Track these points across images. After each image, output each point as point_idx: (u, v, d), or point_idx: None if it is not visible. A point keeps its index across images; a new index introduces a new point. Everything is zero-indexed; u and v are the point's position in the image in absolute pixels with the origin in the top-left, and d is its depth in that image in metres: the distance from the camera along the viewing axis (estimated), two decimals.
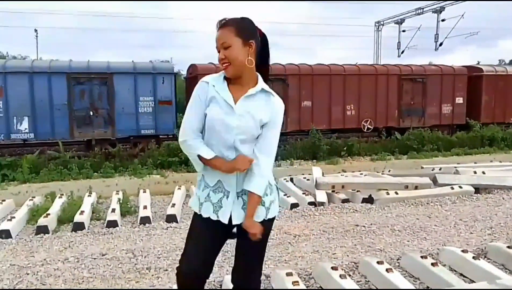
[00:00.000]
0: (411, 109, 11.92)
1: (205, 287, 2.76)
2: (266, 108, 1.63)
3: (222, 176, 1.63)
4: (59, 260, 3.40)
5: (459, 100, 12.32)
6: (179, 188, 5.97)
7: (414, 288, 2.65)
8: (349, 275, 2.84)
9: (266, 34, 1.69)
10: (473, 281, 2.78)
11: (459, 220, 4.41)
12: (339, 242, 3.79)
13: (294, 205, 5.04)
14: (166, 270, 3.18)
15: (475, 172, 6.31)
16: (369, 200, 5.21)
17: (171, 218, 4.56)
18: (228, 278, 2.71)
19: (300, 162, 8.92)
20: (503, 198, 5.39)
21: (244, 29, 1.60)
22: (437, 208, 4.99)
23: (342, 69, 11.25)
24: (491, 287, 2.41)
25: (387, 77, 11.58)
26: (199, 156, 1.62)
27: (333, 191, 5.49)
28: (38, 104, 8.75)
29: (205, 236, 1.71)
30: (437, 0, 20.34)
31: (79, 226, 4.34)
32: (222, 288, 2.72)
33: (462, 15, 19.81)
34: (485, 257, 3.22)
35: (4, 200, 5.48)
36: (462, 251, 3.06)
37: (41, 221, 4.38)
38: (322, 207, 5.02)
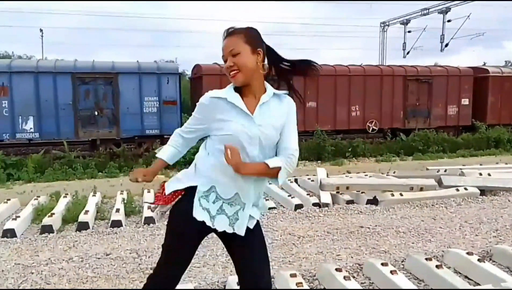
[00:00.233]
0: (416, 110, 11.86)
1: (209, 288, 2.77)
2: (282, 113, 1.64)
3: (239, 189, 1.60)
4: (63, 260, 3.42)
5: (465, 101, 12.24)
6: None
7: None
8: (353, 277, 2.83)
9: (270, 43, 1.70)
10: (478, 284, 2.76)
11: (464, 222, 4.37)
12: (344, 243, 3.77)
13: (298, 206, 5.03)
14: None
15: (480, 174, 6.26)
16: (373, 201, 5.19)
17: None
18: (231, 279, 2.71)
19: (304, 163, 8.90)
20: (508, 200, 5.35)
21: (252, 37, 1.60)
22: (442, 210, 4.95)
23: (347, 69, 11.22)
24: None
25: (393, 78, 11.53)
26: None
27: (337, 192, 5.47)
28: (43, 103, 8.80)
29: (190, 249, 1.67)
30: (443, 0, 20.23)
31: (83, 226, 4.36)
32: (226, 288, 2.72)
33: (468, 16, 19.71)
34: (490, 259, 3.19)
35: (9, 199, 5.52)
36: (467, 253, 3.04)
37: (46, 220, 4.41)
38: (326, 208, 5.00)
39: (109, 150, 9.20)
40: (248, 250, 1.69)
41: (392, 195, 5.28)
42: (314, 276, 2.93)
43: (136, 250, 3.62)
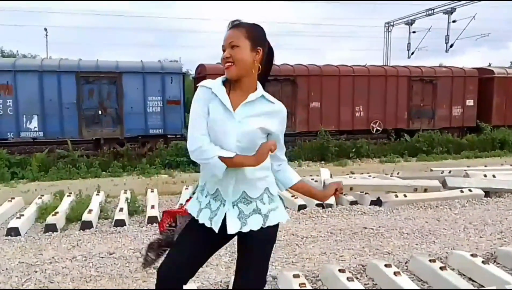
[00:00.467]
0: (421, 111, 11.80)
1: (212, 288, 2.77)
2: (270, 117, 1.60)
3: (220, 185, 1.59)
4: (67, 259, 3.43)
5: (470, 102, 12.17)
6: (187, 188, 5.99)
7: None
8: (357, 278, 2.82)
9: (273, 47, 1.67)
10: (482, 286, 2.74)
11: (468, 224, 4.35)
12: (347, 244, 3.76)
13: (301, 207, 5.02)
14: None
15: (485, 175, 6.22)
16: (377, 202, 5.17)
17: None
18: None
19: (308, 163, 8.88)
20: None
21: (255, 34, 1.59)
22: (446, 211, 4.93)
23: (351, 70, 11.19)
24: None
25: (397, 78, 11.48)
26: (220, 158, 1.52)
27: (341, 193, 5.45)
28: (47, 102, 8.83)
29: (195, 242, 1.65)
30: (448, 1, 20.12)
31: (87, 225, 4.38)
32: (229, 288, 2.72)
33: (474, 16, 19.59)
34: (494, 261, 3.17)
35: (13, 198, 5.56)
36: (471, 255, 3.02)
37: (50, 219, 4.43)
38: (330, 209, 4.99)
39: (112, 150, 9.22)
40: (244, 256, 1.67)
41: (396, 196, 5.26)
42: (317, 276, 2.92)
43: (140, 250, 3.62)
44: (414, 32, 22.50)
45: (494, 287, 2.55)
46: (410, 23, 22.35)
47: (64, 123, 8.96)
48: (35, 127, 8.83)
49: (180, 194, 5.98)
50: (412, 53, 22.92)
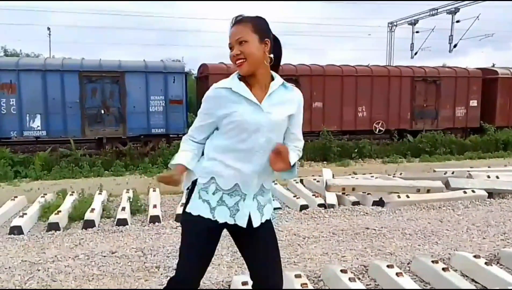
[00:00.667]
0: (424, 112, 11.76)
1: (214, 287, 2.77)
2: (291, 104, 1.65)
3: (240, 180, 1.58)
4: (69, 257, 3.44)
5: (473, 103, 12.12)
6: (189, 188, 5.98)
7: None
8: (359, 278, 2.81)
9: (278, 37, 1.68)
10: (485, 287, 2.73)
11: (471, 225, 4.33)
12: (349, 245, 3.75)
13: (303, 207, 5.01)
14: (175, 269, 3.19)
15: (488, 176, 6.19)
16: (380, 203, 5.15)
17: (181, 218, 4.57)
18: (236, 279, 2.71)
19: (310, 163, 8.88)
20: None
21: (261, 26, 1.59)
22: (449, 212, 4.91)
23: (354, 70, 11.17)
24: None
25: (400, 78, 11.44)
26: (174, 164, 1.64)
27: (343, 193, 5.44)
28: (50, 102, 8.86)
29: (204, 243, 1.65)
30: (452, 1, 20.04)
31: (89, 224, 4.39)
32: (231, 287, 2.71)
33: (477, 17, 19.50)
34: (497, 263, 3.16)
35: (16, 197, 5.58)
36: (474, 256, 3.00)
37: (53, 218, 4.44)
38: (332, 209, 4.98)
39: (115, 149, 9.24)
40: (259, 247, 1.68)
41: (399, 196, 5.24)
42: (319, 277, 2.92)
43: (142, 249, 3.63)
44: (417, 32, 22.42)
45: (497, 289, 2.53)
46: (413, 23, 22.27)
47: (67, 122, 8.98)
48: (38, 126, 8.86)
49: (182, 193, 5.98)
50: (416, 53, 22.85)
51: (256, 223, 1.61)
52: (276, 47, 1.66)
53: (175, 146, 8.60)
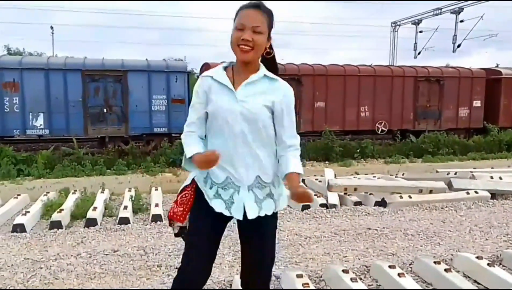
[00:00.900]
0: (427, 112, 11.72)
1: (215, 287, 2.77)
2: (273, 94, 1.61)
3: (230, 172, 1.59)
4: (72, 255, 3.45)
5: (477, 103, 12.06)
6: None
7: None
8: (360, 279, 2.80)
9: (279, 46, 1.75)
10: (487, 289, 2.71)
11: (474, 226, 4.31)
12: (351, 245, 3.74)
13: (305, 207, 5.00)
14: (177, 268, 3.19)
15: (491, 177, 6.16)
16: (382, 203, 5.14)
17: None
18: (238, 278, 2.70)
19: (312, 163, 8.86)
20: None
21: (272, 23, 1.62)
22: (451, 213, 4.89)
23: (357, 70, 11.14)
24: None
25: (403, 78, 11.40)
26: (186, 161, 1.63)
27: (345, 193, 5.43)
28: (53, 100, 8.89)
29: (209, 237, 1.66)
30: (456, 0, 19.95)
31: (91, 222, 4.40)
32: (232, 287, 2.71)
33: (481, 17, 19.42)
34: (500, 264, 3.14)
35: (19, 195, 5.60)
36: (477, 257, 2.99)
37: (55, 216, 4.46)
38: (334, 209, 4.97)
39: (117, 148, 9.27)
40: (248, 246, 1.69)
41: (401, 197, 5.22)
42: (321, 277, 2.91)
43: (143, 247, 3.64)
44: (421, 32, 22.35)
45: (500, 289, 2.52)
46: (417, 22, 22.19)
47: (70, 121, 9.01)
48: (41, 125, 8.89)
49: None
50: (419, 53, 22.78)
51: (251, 215, 1.59)
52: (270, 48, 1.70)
53: (177, 145, 8.60)
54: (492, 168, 7.75)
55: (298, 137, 1.68)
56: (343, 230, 4.14)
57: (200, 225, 1.67)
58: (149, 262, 3.32)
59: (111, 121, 9.35)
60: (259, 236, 1.66)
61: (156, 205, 4.97)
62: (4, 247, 3.72)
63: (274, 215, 1.69)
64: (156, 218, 4.57)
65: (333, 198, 5.21)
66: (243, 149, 1.57)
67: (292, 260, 3.35)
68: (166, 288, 2.74)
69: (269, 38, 1.61)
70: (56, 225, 4.30)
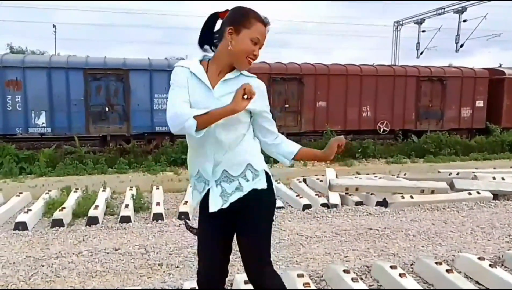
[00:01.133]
0: (429, 112, 11.68)
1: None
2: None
3: (200, 166, 1.65)
4: (73, 253, 3.46)
5: (479, 103, 12.01)
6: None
7: None
8: (361, 279, 2.80)
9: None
10: None
11: (476, 227, 4.30)
12: (352, 245, 3.74)
13: (306, 206, 5.00)
14: (178, 267, 3.20)
15: (494, 178, 6.14)
16: (383, 203, 5.13)
17: (184, 216, 4.58)
18: (238, 277, 2.70)
19: (313, 162, 8.85)
20: None
21: None
22: (453, 213, 4.88)
23: (359, 69, 11.11)
24: None
25: (405, 78, 11.37)
26: (195, 118, 1.48)
27: (346, 193, 5.43)
28: (55, 99, 8.90)
29: (212, 232, 1.70)
30: (459, 0, 19.87)
31: (93, 221, 4.41)
32: (233, 287, 2.71)
33: (485, 16, 19.33)
34: (502, 265, 3.13)
35: (21, 193, 5.62)
36: (479, 258, 2.98)
37: (57, 214, 4.47)
38: (335, 209, 4.97)
39: (119, 146, 9.28)
40: (241, 220, 1.68)
41: (402, 197, 5.21)
42: (322, 277, 2.91)
43: (145, 246, 3.64)
44: (423, 31, 22.26)
45: None
46: (419, 22, 22.12)
47: (72, 119, 9.02)
48: (43, 123, 8.91)
49: (185, 191, 6.00)
50: (421, 53, 22.70)
51: (212, 209, 1.62)
52: None
53: (179, 144, 8.61)
54: (494, 168, 7.72)
55: (274, 123, 1.76)
56: (344, 230, 4.14)
57: (205, 226, 1.72)
58: (150, 260, 3.33)
59: (113, 120, 9.35)
60: (244, 216, 1.65)
61: (157, 204, 4.98)
62: (6, 245, 3.73)
63: (260, 193, 1.64)
64: (157, 217, 4.57)
65: (335, 198, 5.21)
66: (213, 146, 1.60)
67: (293, 260, 3.35)
68: (167, 286, 2.75)
69: None
70: (58, 223, 4.32)
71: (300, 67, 10.62)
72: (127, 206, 4.84)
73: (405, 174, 7.07)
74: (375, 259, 3.35)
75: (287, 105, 10.21)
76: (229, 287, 2.75)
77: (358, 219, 4.60)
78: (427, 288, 2.78)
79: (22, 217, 4.38)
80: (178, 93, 1.58)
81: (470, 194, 5.44)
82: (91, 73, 9.11)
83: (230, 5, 1.68)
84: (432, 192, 5.41)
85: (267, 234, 1.70)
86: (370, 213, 4.81)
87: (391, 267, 2.81)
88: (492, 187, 5.70)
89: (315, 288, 2.63)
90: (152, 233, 4.06)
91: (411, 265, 3.12)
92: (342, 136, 1.66)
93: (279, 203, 5.16)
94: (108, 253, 3.49)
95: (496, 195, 5.57)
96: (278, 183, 6.24)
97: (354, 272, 2.84)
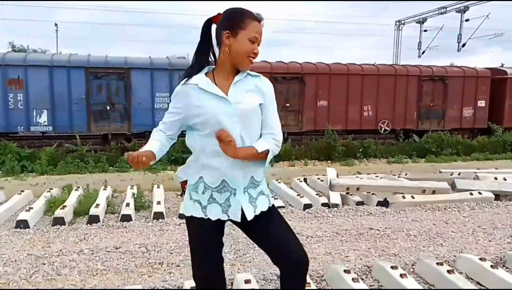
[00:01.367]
0: (430, 112, 11.66)
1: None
2: (259, 90, 1.63)
3: (226, 176, 1.59)
4: (74, 252, 3.47)
5: (481, 103, 11.98)
6: None
7: None
8: (362, 279, 2.80)
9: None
10: None
11: (477, 227, 4.29)
12: (353, 245, 3.74)
13: (307, 206, 5.00)
14: (178, 265, 3.20)
15: (495, 178, 6.12)
16: (384, 203, 5.12)
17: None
18: (239, 276, 2.71)
19: (314, 162, 8.84)
20: None
21: None
22: (454, 214, 4.87)
23: (360, 69, 11.09)
24: None
25: (407, 78, 11.34)
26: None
27: (347, 193, 5.42)
28: (57, 97, 8.92)
29: (212, 240, 1.67)
30: (461, 0, 19.82)
31: (94, 219, 4.42)
32: (233, 287, 2.71)
33: (487, 16, 19.29)
34: (503, 266, 3.12)
35: (23, 191, 5.63)
36: (480, 259, 2.97)
37: (58, 212, 4.48)
38: (335, 208, 4.96)
39: (120, 145, 9.29)
40: (270, 231, 1.67)
41: (403, 197, 5.20)
42: (322, 276, 2.91)
43: (145, 245, 3.65)
44: (425, 30, 22.22)
45: None
46: (421, 21, 22.07)
47: (73, 118, 9.04)
48: (44, 122, 8.93)
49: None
50: (423, 52, 22.66)
51: (249, 217, 1.61)
52: None
53: (179, 143, 8.60)
54: (496, 169, 7.70)
55: (281, 133, 1.68)
56: (345, 230, 4.13)
57: (201, 234, 1.69)
58: (151, 259, 3.33)
59: (114, 119, 9.37)
60: (267, 226, 1.66)
61: (158, 202, 4.98)
62: (8, 242, 3.74)
63: (273, 209, 1.71)
64: (158, 215, 4.58)
65: (335, 198, 5.20)
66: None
67: None
68: (167, 285, 2.75)
69: None
70: (59, 221, 4.32)
71: (302, 66, 10.60)
72: (128, 204, 4.85)
73: (406, 174, 7.06)
74: (376, 259, 3.35)
75: (288, 104, 10.21)
76: (229, 287, 2.75)
77: (359, 219, 4.60)
78: (428, 288, 2.78)
79: (23, 215, 4.38)
80: (168, 114, 1.69)
81: (471, 194, 5.43)
82: (92, 71, 9.12)
83: (230, 5, 1.68)
84: (434, 192, 5.39)
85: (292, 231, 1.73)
86: (371, 213, 4.80)
87: (392, 267, 2.80)
88: (494, 187, 5.69)
89: (315, 288, 2.62)
90: (153, 232, 4.07)
91: (412, 265, 3.11)
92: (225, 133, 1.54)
93: (279, 203, 5.15)
94: (109, 251, 3.50)
95: (497, 196, 5.56)
96: (278, 182, 6.24)
97: (355, 272, 2.84)
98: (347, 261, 3.34)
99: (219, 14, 1.64)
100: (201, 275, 1.70)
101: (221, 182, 1.60)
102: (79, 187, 5.73)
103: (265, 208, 1.64)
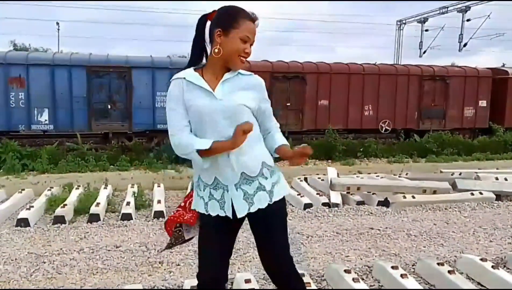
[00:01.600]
0: (431, 111, 11.64)
1: None
2: (250, 88, 1.63)
3: (217, 172, 1.61)
4: (74, 250, 3.47)
5: (483, 103, 11.96)
6: None
7: None
8: (362, 279, 2.79)
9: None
10: None
11: (478, 227, 4.28)
12: (353, 244, 3.73)
13: (307, 205, 4.99)
14: (178, 265, 3.20)
15: (496, 178, 6.11)
16: (385, 203, 5.11)
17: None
18: (239, 276, 2.70)
19: (315, 161, 8.84)
20: None
21: None
22: (455, 214, 4.86)
23: (361, 68, 11.08)
24: None
25: (408, 77, 11.33)
26: (197, 151, 1.55)
27: (348, 193, 5.41)
28: (58, 96, 8.92)
29: (217, 238, 1.68)
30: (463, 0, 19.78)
31: (94, 218, 4.42)
32: (234, 287, 2.71)
33: (488, 16, 19.27)
34: (504, 266, 3.11)
35: (23, 189, 5.63)
36: (481, 259, 2.97)
37: (58, 211, 4.48)
38: (336, 208, 4.96)
39: (121, 144, 9.29)
40: (261, 232, 1.69)
41: (404, 197, 5.19)
42: (322, 276, 2.91)
43: (145, 244, 3.65)
44: (426, 30, 22.21)
45: None
46: (422, 21, 22.05)
47: (74, 116, 9.04)
48: (45, 120, 8.93)
49: (186, 189, 6.00)
50: (424, 52, 22.65)
51: (240, 214, 1.61)
52: None
53: None
54: (497, 169, 7.69)
55: (272, 118, 1.75)
56: (345, 230, 4.13)
57: (207, 230, 1.70)
58: (151, 258, 3.33)
59: (115, 117, 9.37)
60: (265, 228, 1.66)
61: (159, 201, 4.98)
62: (8, 241, 3.75)
63: (281, 204, 1.68)
64: (159, 214, 4.58)
65: (336, 197, 5.20)
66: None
67: (293, 259, 3.34)
68: (167, 284, 2.75)
69: None
70: (60, 220, 4.33)
71: (302, 66, 10.59)
72: (128, 203, 4.85)
73: (407, 174, 7.05)
74: (377, 259, 3.34)
75: (289, 104, 10.20)
76: (229, 286, 2.75)
77: (360, 218, 4.59)
78: (428, 289, 2.77)
79: (24, 213, 4.39)
80: (177, 114, 1.62)
81: (472, 194, 5.42)
82: (93, 70, 9.12)
83: (232, 4, 1.67)
84: (434, 192, 5.38)
85: (287, 244, 1.74)
86: (371, 213, 4.80)
87: (392, 267, 2.80)
88: (495, 187, 5.68)
89: (315, 288, 2.62)
90: (153, 231, 4.07)
91: (413, 265, 3.11)
92: (308, 146, 1.63)
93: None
94: (109, 250, 3.50)
95: (498, 196, 5.54)
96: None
97: (355, 272, 2.83)
98: (347, 261, 3.34)
99: (214, 11, 1.63)
100: (203, 278, 1.71)
101: (214, 179, 1.63)
102: (79, 186, 5.73)
103: (264, 205, 1.62)
